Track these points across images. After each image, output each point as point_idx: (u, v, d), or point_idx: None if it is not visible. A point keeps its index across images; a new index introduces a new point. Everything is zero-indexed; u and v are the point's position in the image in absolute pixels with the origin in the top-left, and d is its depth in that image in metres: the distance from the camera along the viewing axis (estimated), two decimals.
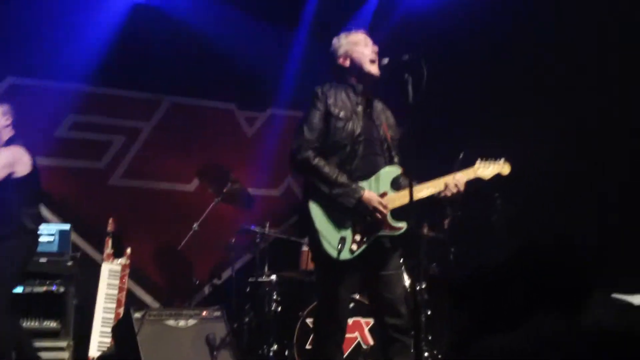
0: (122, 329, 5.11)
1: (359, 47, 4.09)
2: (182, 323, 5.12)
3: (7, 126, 5.08)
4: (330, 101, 3.98)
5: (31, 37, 6.59)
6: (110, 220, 6.06)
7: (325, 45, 4.22)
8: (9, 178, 4.89)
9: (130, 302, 6.11)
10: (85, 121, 7.00)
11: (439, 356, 5.37)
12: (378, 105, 4.19)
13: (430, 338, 5.40)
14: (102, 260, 5.99)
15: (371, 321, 5.23)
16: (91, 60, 6.79)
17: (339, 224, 3.86)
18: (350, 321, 4.98)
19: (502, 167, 4.16)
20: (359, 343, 5.34)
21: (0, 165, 4.84)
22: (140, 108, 7.25)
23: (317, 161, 3.88)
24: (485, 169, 4.13)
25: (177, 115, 7.34)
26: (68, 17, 6.65)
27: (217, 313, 5.27)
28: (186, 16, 7.08)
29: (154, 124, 7.27)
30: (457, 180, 3.97)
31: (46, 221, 6.47)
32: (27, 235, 4.96)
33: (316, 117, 3.96)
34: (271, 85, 7.51)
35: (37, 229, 5.05)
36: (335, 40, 4.16)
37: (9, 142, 5.02)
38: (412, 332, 3.84)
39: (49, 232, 5.93)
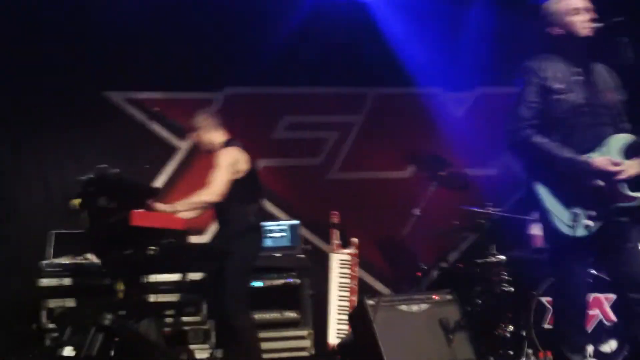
0: (358, 316, 5.27)
1: (572, 13, 3.90)
2: (414, 308, 5.17)
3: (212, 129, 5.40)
4: (546, 74, 3.84)
5: (239, 46, 6.99)
6: (334, 213, 6.27)
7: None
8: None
9: (362, 289, 6.30)
10: (299, 121, 7.30)
11: None
12: (599, 69, 3.98)
13: None
14: (331, 251, 6.23)
15: (612, 297, 5.03)
16: (294, 62, 7.09)
17: (569, 200, 3.75)
18: (590, 297, 4.81)
19: None
20: (600, 320, 5.15)
21: (226, 164, 5.12)
22: (349, 103, 7.43)
23: (538, 139, 3.77)
24: None
25: (384, 106, 7.45)
26: (267, 22, 6.98)
27: (449, 296, 5.28)
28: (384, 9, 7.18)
29: (363, 116, 7.44)
30: None
31: (274, 218, 6.85)
32: (254, 232, 5.25)
33: (532, 93, 3.84)
34: (475, 64, 7.41)
35: (260, 225, 5.32)
36: (546, 6, 3.97)
37: (226, 144, 5.32)
38: None
39: (280, 228, 6.26)
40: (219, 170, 5.06)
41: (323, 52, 7.11)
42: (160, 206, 4.93)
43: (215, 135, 5.35)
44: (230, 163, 5.11)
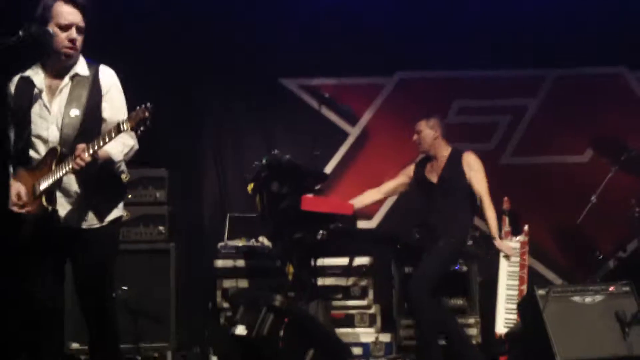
0: (527, 306, 5.12)
1: None
2: (588, 299, 4.95)
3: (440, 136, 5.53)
4: None
5: (410, 31, 6.94)
6: (505, 199, 6.10)
7: None
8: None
9: (533, 278, 6.08)
10: (471, 105, 7.15)
11: None
12: None
13: None
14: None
15: None
16: (465, 46, 6.95)
17: None
18: None
19: None
20: None
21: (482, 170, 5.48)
22: (525, 85, 7.17)
23: None
24: None
25: (563, 87, 7.11)
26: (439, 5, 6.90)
27: (626, 288, 4.99)
28: None
29: (540, 99, 7.15)
30: None
31: None
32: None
33: None
34: None
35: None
36: None
37: (456, 152, 5.59)
38: None
39: None
40: (483, 181, 5.46)
41: (496, 34, 6.92)
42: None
43: (442, 144, 5.46)
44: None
